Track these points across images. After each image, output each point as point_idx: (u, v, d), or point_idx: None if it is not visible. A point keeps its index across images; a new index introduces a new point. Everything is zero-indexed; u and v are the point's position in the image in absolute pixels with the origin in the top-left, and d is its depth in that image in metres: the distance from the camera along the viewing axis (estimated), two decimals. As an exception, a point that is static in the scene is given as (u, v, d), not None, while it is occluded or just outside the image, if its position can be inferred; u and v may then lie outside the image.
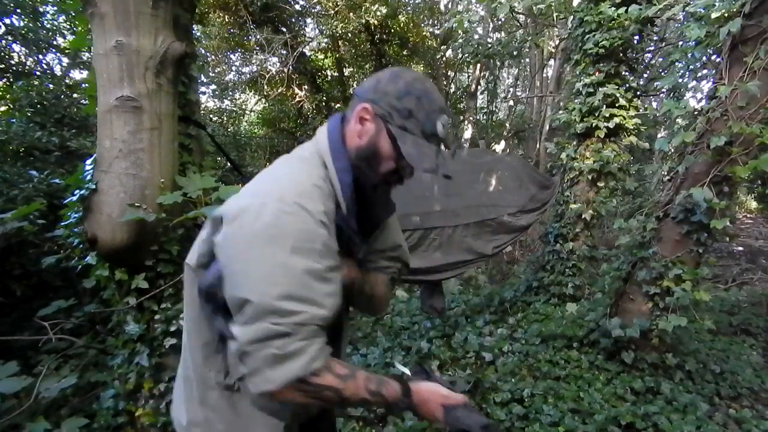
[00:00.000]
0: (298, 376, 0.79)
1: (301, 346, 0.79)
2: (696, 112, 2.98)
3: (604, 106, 4.43)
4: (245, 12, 8.76)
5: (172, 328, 2.02)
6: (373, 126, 0.92)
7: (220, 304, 0.87)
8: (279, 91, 9.78)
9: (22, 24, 4.90)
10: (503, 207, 3.76)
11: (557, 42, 9.18)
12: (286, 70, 9.31)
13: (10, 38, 4.93)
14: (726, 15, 2.69)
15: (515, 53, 8.74)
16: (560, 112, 5.15)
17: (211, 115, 10.32)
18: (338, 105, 10.55)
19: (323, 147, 0.94)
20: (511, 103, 14.26)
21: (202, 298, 0.90)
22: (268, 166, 0.97)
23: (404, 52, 10.33)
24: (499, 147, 12.01)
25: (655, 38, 5.35)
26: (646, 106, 6.78)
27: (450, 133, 0.98)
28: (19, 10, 4.75)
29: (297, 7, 9.69)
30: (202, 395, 0.97)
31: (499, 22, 10.30)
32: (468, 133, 11.44)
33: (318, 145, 0.95)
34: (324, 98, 10.26)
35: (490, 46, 8.49)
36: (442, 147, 0.95)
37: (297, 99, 10.36)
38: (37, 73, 5.29)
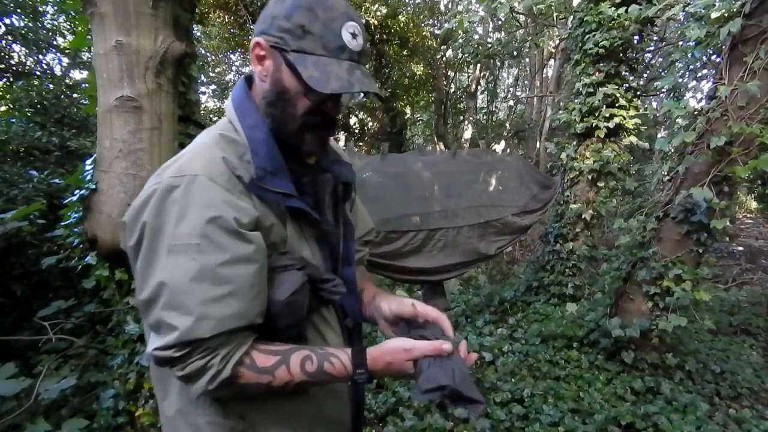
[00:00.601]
0: (208, 389, 0.71)
1: (200, 365, 0.69)
2: (696, 112, 2.98)
3: (604, 106, 4.43)
4: (245, 12, 8.77)
5: (172, 328, 2.02)
6: (272, 61, 0.76)
7: None
8: (279, 91, 9.75)
9: (22, 24, 4.90)
10: (504, 207, 3.76)
11: (557, 42, 9.17)
12: (286, 70, 9.28)
13: (10, 38, 4.93)
14: (726, 15, 2.69)
15: (515, 53, 8.75)
16: (560, 112, 5.15)
17: (211, 115, 10.32)
18: (338, 105, 10.53)
19: (230, 111, 0.82)
20: (511, 103, 14.26)
21: None
22: None
23: (404, 52, 10.33)
24: (499, 147, 12.01)
25: (655, 38, 5.35)
26: (646, 106, 6.78)
27: (366, 41, 0.79)
28: (19, 10, 4.75)
29: (297, 7, 9.68)
30: None
31: (499, 22, 10.30)
32: (468, 133, 11.45)
33: (227, 112, 0.84)
34: (324, 98, 10.23)
35: (490, 46, 8.49)
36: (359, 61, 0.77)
37: (297, 99, 10.33)
38: (37, 73, 5.28)
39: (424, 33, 10.34)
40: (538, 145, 10.24)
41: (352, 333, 0.92)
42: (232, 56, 10.88)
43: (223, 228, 0.69)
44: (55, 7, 5.19)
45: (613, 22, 4.20)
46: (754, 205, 12.71)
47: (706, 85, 3.84)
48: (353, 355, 0.77)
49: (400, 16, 9.63)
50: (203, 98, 10.40)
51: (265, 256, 0.74)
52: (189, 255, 0.68)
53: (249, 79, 0.85)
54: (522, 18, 9.36)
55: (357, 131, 11.35)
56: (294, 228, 0.81)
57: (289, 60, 0.74)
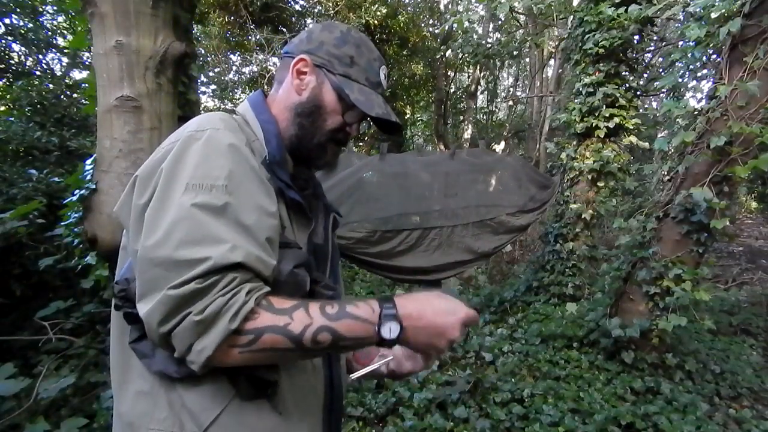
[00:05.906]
0: (229, 330, 0.63)
1: (223, 301, 0.63)
2: (696, 112, 2.98)
3: (604, 106, 4.43)
4: (245, 12, 8.76)
5: (172, 328, 2.02)
6: (314, 78, 0.85)
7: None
8: (279, 91, 9.76)
9: (22, 24, 4.90)
10: (503, 207, 3.76)
11: (557, 42, 9.17)
12: (285, 69, 9.29)
13: (10, 38, 4.93)
14: (726, 15, 2.69)
15: (515, 53, 8.74)
16: (560, 112, 5.15)
17: (211, 115, 10.28)
18: (338, 105, 10.52)
19: (243, 108, 0.88)
20: (511, 103, 14.26)
21: (117, 307, 0.73)
22: None
23: (404, 52, 10.32)
24: (499, 147, 12.01)
25: (655, 38, 5.35)
26: (646, 106, 6.77)
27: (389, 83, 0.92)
28: (19, 10, 4.75)
29: (297, 7, 9.69)
30: None
31: (499, 22, 10.30)
32: (468, 133, 11.45)
33: (240, 109, 0.89)
34: (324, 98, 10.23)
35: (490, 46, 8.49)
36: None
37: (297, 99, 10.33)
38: (37, 73, 5.28)
39: (424, 33, 10.33)
40: (538, 145, 10.24)
41: (331, 353, 0.84)
42: (232, 56, 10.86)
43: (253, 177, 0.72)
44: (55, 7, 5.19)
45: (613, 22, 4.20)
46: (754, 205, 12.71)
47: (706, 85, 3.84)
48: (380, 299, 0.72)
49: (400, 16, 9.62)
50: (203, 98, 10.39)
51: (279, 219, 0.75)
52: (214, 194, 0.67)
53: (263, 92, 0.94)
54: (522, 18, 9.36)
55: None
56: (290, 222, 0.81)
57: (335, 81, 0.84)
